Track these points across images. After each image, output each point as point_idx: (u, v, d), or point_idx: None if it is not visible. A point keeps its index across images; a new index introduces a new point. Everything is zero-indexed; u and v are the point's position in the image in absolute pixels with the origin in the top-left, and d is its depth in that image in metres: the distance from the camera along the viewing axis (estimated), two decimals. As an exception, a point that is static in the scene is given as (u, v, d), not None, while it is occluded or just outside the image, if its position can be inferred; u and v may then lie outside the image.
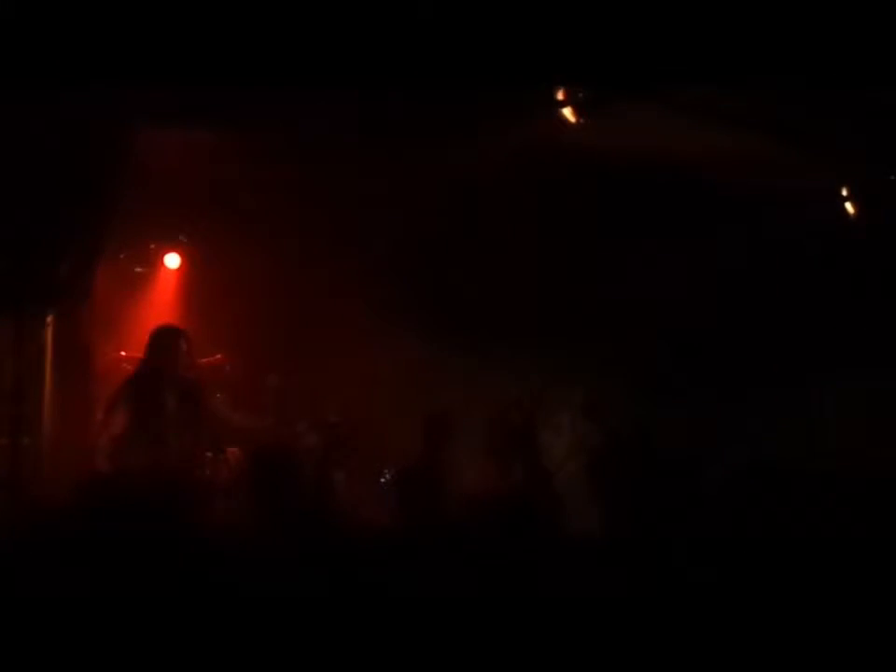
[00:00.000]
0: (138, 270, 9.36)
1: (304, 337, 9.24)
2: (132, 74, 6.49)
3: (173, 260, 9.41)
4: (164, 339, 7.31)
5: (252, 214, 8.97)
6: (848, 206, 9.04)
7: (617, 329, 9.08)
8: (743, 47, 6.53)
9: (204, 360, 8.22)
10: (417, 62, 6.59)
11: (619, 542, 4.56)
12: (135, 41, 6.35)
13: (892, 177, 8.77)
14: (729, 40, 6.51)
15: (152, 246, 9.39)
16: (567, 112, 7.59)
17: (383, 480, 7.40)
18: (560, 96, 7.59)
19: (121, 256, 9.12)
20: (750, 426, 8.88)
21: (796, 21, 6.46)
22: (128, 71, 6.46)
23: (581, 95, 7.53)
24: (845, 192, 9.06)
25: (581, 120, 7.57)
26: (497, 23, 6.42)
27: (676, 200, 8.70)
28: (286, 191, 8.87)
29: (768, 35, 6.52)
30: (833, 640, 3.77)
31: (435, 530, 4.59)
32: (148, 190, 8.29)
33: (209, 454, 7.49)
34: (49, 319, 7.65)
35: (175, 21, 6.32)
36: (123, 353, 8.60)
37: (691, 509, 4.54)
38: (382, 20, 6.42)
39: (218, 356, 8.68)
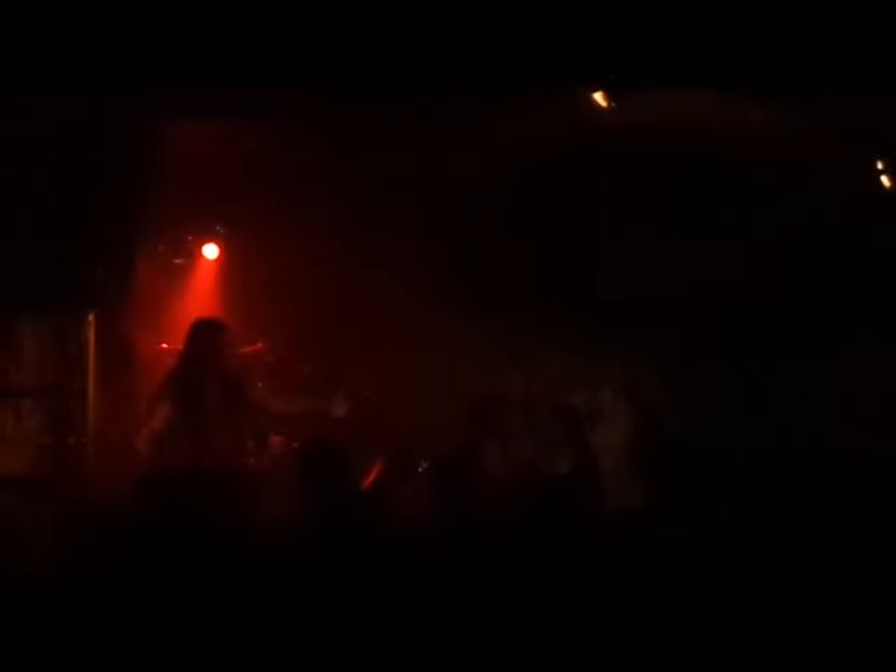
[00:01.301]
0: (177, 261, 9.38)
1: (343, 322, 9.28)
2: (157, 70, 6.55)
3: (211, 251, 9.46)
4: (204, 332, 7.37)
5: (287, 201, 9.00)
6: (884, 180, 9.00)
7: (653, 311, 9.08)
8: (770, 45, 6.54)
9: (245, 349, 8.29)
10: (431, 57, 6.63)
11: (659, 524, 4.60)
12: (162, 36, 6.41)
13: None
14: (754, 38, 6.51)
15: (190, 238, 9.42)
16: (599, 96, 7.58)
17: (420, 469, 7.40)
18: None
19: (160, 248, 9.18)
20: (780, 407, 8.87)
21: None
22: (154, 68, 6.52)
23: (612, 78, 7.51)
24: (880, 166, 9.02)
25: (613, 105, 7.56)
26: (507, 21, 6.44)
27: (707, 179, 8.69)
28: (320, 178, 8.91)
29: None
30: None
31: (478, 525, 4.61)
32: (184, 182, 8.35)
33: (251, 443, 7.56)
34: (90, 318, 7.72)
35: (197, 17, 6.37)
36: (165, 345, 8.66)
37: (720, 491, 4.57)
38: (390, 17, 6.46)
39: (259, 344, 8.73)
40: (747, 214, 8.92)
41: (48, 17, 6.28)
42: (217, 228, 9.45)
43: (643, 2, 6.41)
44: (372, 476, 7.61)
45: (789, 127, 8.06)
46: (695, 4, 6.43)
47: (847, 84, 7.03)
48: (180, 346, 7.57)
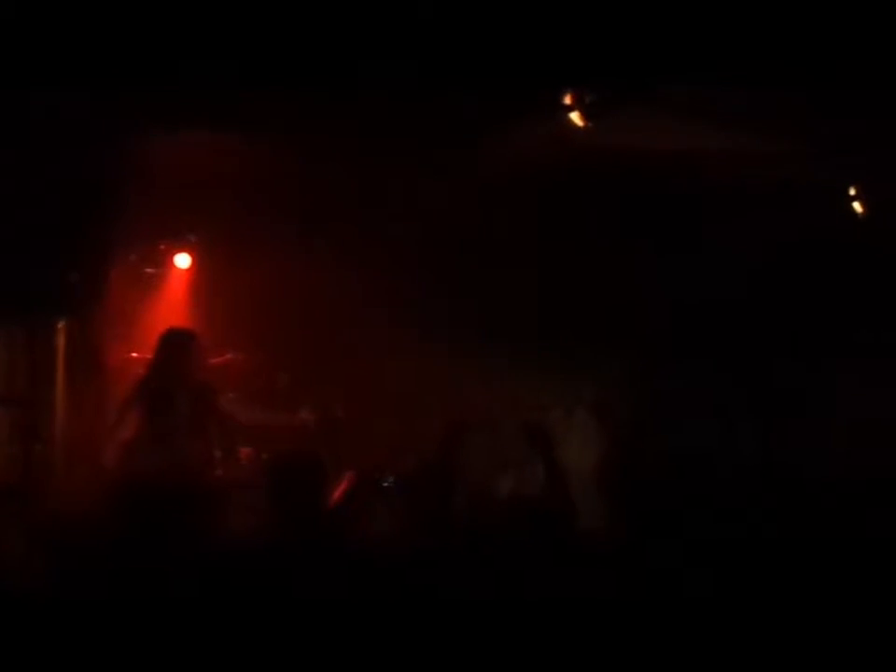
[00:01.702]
0: (149, 270, 9.37)
1: (314, 334, 9.28)
2: (133, 75, 6.53)
3: (183, 260, 9.44)
4: (175, 341, 7.35)
5: (260, 212, 9.00)
6: (856, 205, 9.08)
7: (626, 328, 9.12)
8: (746, 46, 6.56)
9: (216, 360, 8.27)
10: (421, 64, 6.63)
11: (630, 542, 4.61)
12: (136, 41, 6.39)
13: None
14: (732, 40, 6.54)
15: (162, 247, 9.41)
16: (575, 116, 7.61)
17: (385, 484, 7.39)
18: (567, 100, 7.61)
19: (132, 257, 9.15)
20: (757, 424, 8.93)
21: (801, 20, 6.49)
22: (130, 72, 6.50)
23: (588, 99, 7.55)
24: (853, 192, 9.10)
25: (589, 124, 7.59)
26: (498, 26, 6.46)
27: (682, 200, 8.73)
28: (293, 189, 8.90)
29: (773, 35, 6.56)
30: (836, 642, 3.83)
31: (444, 536, 4.63)
32: (157, 191, 8.32)
33: (220, 454, 7.54)
34: (60, 325, 7.68)
35: (177, 20, 6.36)
36: (135, 354, 8.63)
37: (698, 507, 4.58)
38: (384, 22, 6.46)
39: (230, 355, 8.71)
40: (721, 233, 8.97)
41: (23, 18, 6.26)
42: (190, 237, 9.44)
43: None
44: (340, 490, 7.61)
45: (762, 150, 8.12)
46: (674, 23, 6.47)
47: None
48: (150, 355, 7.54)
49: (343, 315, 9.11)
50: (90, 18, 6.28)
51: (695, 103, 7.56)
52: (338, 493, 7.50)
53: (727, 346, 9.33)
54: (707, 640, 3.85)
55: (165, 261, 9.46)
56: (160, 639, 3.78)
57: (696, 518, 4.45)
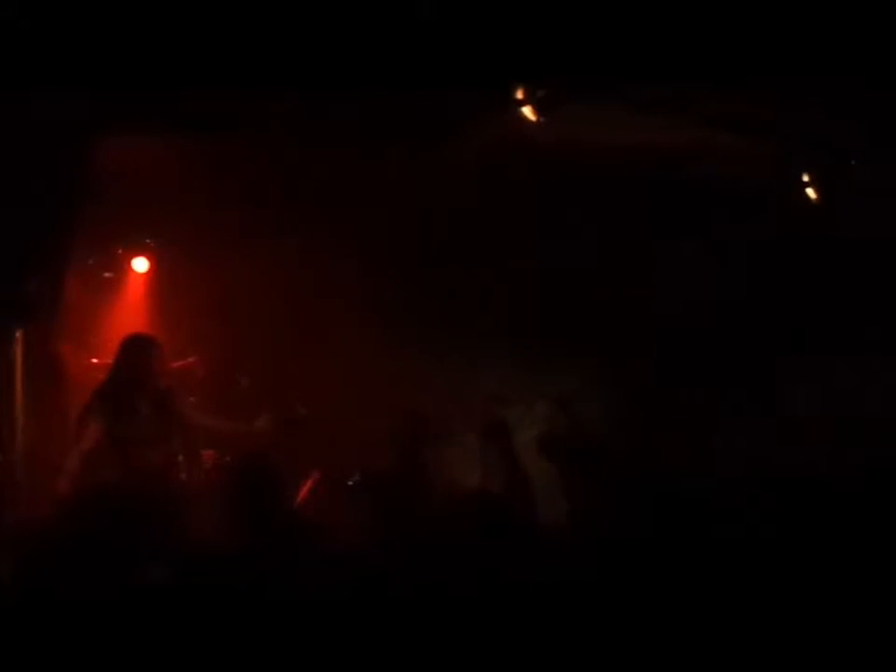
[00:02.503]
0: (107, 275, 9.35)
1: (275, 337, 9.26)
2: (89, 79, 6.50)
3: (141, 264, 9.42)
4: (135, 347, 7.33)
5: (218, 215, 8.97)
6: (810, 192, 9.14)
7: (590, 327, 9.16)
8: (696, 40, 6.61)
9: (177, 364, 8.24)
10: (377, 61, 6.64)
11: (592, 539, 4.63)
12: (92, 45, 6.35)
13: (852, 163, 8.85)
14: (681, 33, 6.58)
15: (120, 251, 9.38)
16: (527, 111, 7.63)
17: (350, 483, 7.39)
18: (519, 95, 7.63)
19: (89, 262, 9.11)
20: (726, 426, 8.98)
21: (752, 13, 6.53)
22: (85, 76, 6.47)
23: (539, 94, 7.57)
24: (806, 178, 9.16)
25: (541, 119, 7.61)
26: (449, 22, 6.48)
27: (638, 195, 8.77)
28: (252, 191, 8.88)
29: (723, 28, 6.60)
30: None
31: (406, 534, 4.64)
32: (114, 195, 8.29)
33: (182, 457, 7.53)
34: (18, 334, 7.64)
35: (132, 23, 6.32)
36: (95, 360, 8.61)
37: (664, 502, 4.61)
38: (338, 21, 6.46)
39: (191, 359, 8.69)
40: (682, 229, 9.02)
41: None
42: (148, 241, 9.41)
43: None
44: (306, 489, 7.61)
45: (711, 145, 8.17)
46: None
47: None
48: (111, 361, 7.52)
49: (304, 315, 9.10)
50: (41, 21, 6.24)
51: (647, 96, 7.59)
52: (303, 492, 7.51)
53: (695, 343, 9.38)
54: (671, 632, 3.89)
55: (123, 266, 9.43)
56: (127, 645, 3.78)
57: (662, 513, 4.47)
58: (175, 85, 6.76)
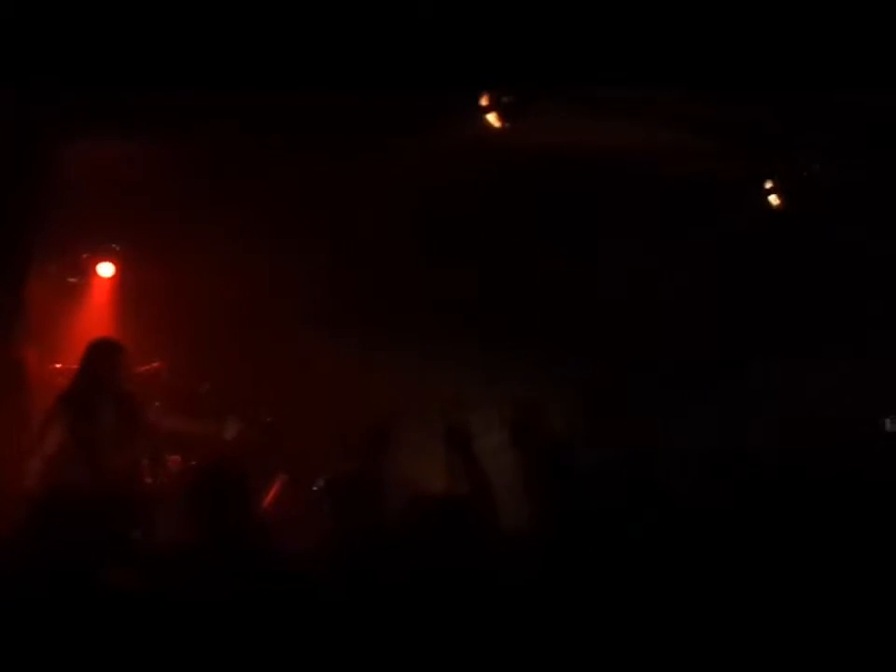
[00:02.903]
0: (71, 280, 9.32)
1: (240, 341, 9.26)
2: (50, 80, 6.48)
3: (106, 269, 9.39)
4: (100, 352, 7.31)
5: (184, 220, 8.95)
6: (772, 198, 9.20)
7: (552, 329, 9.19)
8: (659, 44, 6.65)
9: (142, 368, 8.23)
10: (339, 64, 6.66)
11: (557, 539, 4.65)
12: (52, 45, 6.33)
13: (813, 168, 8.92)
14: (644, 38, 6.62)
15: (85, 256, 9.35)
16: (492, 117, 7.67)
17: (315, 487, 7.40)
18: (484, 102, 7.66)
19: (53, 267, 9.08)
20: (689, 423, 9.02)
21: (709, 16, 6.58)
22: (46, 77, 6.45)
23: (504, 100, 7.60)
24: (769, 185, 9.22)
25: (506, 125, 7.65)
26: (415, 28, 6.50)
27: (601, 199, 8.81)
28: (216, 197, 8.87)
29: (684, 31, 6.65)
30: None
31: (370, 538, 4.65)
32: (78, 200, 8.26)
33: (147, 462, 7.51)
34: (-22, 341, 7.63)
35: (92, 23, 6.31)
36: (59, 365, 8.57)
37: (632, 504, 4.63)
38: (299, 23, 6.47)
39: (156, 363, 8.67)
40: (644, 231, 9.07)
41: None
42: (113, 246, 9.39)
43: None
44: (272, 494, 7.61)
45: (675, 145, 8.22)
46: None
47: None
48: (75, 366, 7.49)
49: (268, 320, 9.10)
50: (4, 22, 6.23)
51: (612, 101, 7.63)
52: (269, 497, 7.51)
53: (655, 344, 9.43)
54: (630, 634, 3.91)
55: (88, 271, 9.41)
56: (90, 645, 3.78)
57: (629, 515, 4.49)
58: (139, 85, 6.73)
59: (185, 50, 6.46)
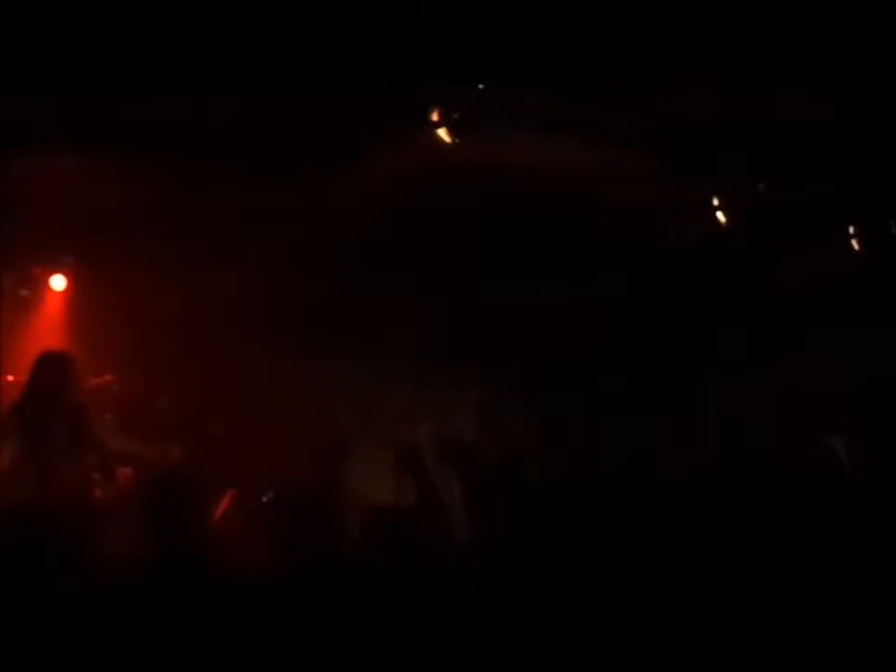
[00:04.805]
0: (23, 293, 9.31)
1: (192, 355, 9.25)
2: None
3: (58, 282, 9.39)
4: (50, 364, 7.28)
5: (136, 234, 8.95)
6: (720, 216, 9.32)
7: (503, 341, 9.25)
8: (609, 63, 6.72)
9: (93, 382, 8.21)
10: (290, 77, 6.68)
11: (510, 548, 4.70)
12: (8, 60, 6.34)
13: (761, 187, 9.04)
14: (594, 56, 6.69)
15: (37, 269, 9.34)
16: (442, 132, 7.72)
17: (265, 499, 7.41)
18: (434, 117, 7.72)
19: (5, 280, 9.05)
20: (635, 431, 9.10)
21: (657, 35, 6.64)
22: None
23: (455, 116, 7.66)
24: (716, 202, 9.34)
25: (456, 140, 7.71)
26: (365, 42, 6.54)
27: (551, 215, 8.88)
28: (169, 210, 8.88)
29: (635, 51, 6.72)
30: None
31: (319, 551, 4.68)
32: (30, 213, 8.26)
33: (97, 475, 7.49)
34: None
35: (48, 36, 6.30)
36: (10, 378, 8.56)
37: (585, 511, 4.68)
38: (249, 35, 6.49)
39: (107, 376, 8.65)
40: (591, 252, 9.15)
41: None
42: (65, 259, 9.38)
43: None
44: (221, 508, 7.61)
45: (625, 167, 8.30)
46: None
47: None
48: (25, 378, 7.48)
49: (221, 334, 9.11)
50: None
51: (562, 118, 7.70)
52: (218, 511, 7.51)
53: (607, 353, 9.51)
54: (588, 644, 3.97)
55: (40, 284, 9.39)
56: (37, 656, 3.79)
57: (583, 522, 4.54)
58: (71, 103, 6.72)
59: (131, 66, 6.46)
